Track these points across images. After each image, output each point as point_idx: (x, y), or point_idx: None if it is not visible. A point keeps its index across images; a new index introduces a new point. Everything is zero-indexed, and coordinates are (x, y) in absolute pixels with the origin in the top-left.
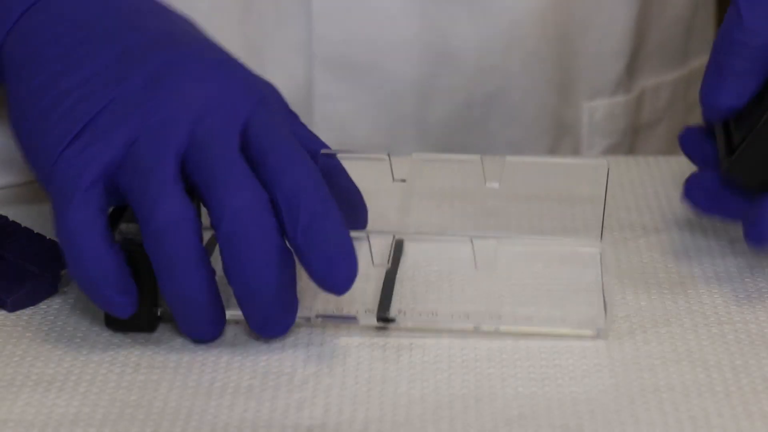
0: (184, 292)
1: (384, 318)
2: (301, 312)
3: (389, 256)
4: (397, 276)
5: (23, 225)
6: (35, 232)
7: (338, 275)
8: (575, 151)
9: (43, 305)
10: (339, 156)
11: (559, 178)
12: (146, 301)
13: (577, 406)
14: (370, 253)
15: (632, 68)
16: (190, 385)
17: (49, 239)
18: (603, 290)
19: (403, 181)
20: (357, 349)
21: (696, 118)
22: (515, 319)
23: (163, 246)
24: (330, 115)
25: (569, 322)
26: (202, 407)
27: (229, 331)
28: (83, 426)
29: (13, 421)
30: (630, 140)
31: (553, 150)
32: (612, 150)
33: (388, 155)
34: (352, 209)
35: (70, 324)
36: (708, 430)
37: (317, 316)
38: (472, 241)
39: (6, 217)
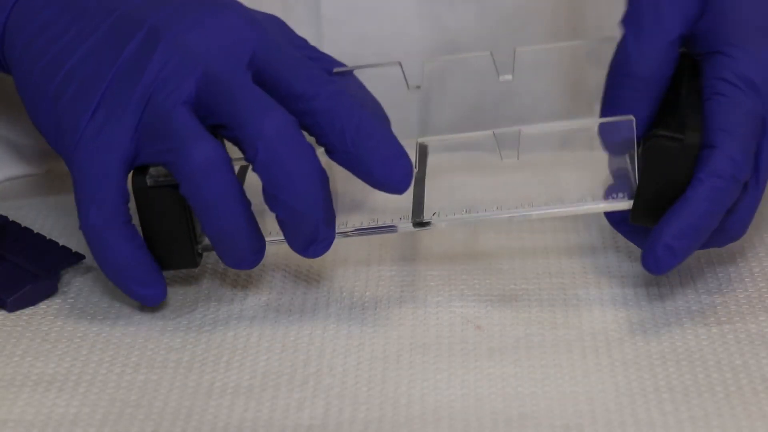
0: (226, 229)
1: (420, 222)
2: (337, 228)
3: (415, 162)
4: (426, 180)
5: (23, 225)
6: (35, 232)
7: (397, 174)
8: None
9: (43, 305)
10: (351, 70)
11: None
12: (185, 239)
13: (577, 406)
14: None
15: None
16: (190, 385)
17: (49, 239)
18: (632, 160)
19: (418, 87)
20: (357, 348)
21: None
22: (546, 202)
23: (201, 189)
24: None
25: (600, 196)
26: (202, 407)
27: (230, 331)
28: (83, 426)
29: (13, 421)
30: None
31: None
32: None
33: (400, 63)
34: None
35: (70, 324)
36: (708, 430)
37: (357, 230)
38: (494, 134)
39: (6, 217)
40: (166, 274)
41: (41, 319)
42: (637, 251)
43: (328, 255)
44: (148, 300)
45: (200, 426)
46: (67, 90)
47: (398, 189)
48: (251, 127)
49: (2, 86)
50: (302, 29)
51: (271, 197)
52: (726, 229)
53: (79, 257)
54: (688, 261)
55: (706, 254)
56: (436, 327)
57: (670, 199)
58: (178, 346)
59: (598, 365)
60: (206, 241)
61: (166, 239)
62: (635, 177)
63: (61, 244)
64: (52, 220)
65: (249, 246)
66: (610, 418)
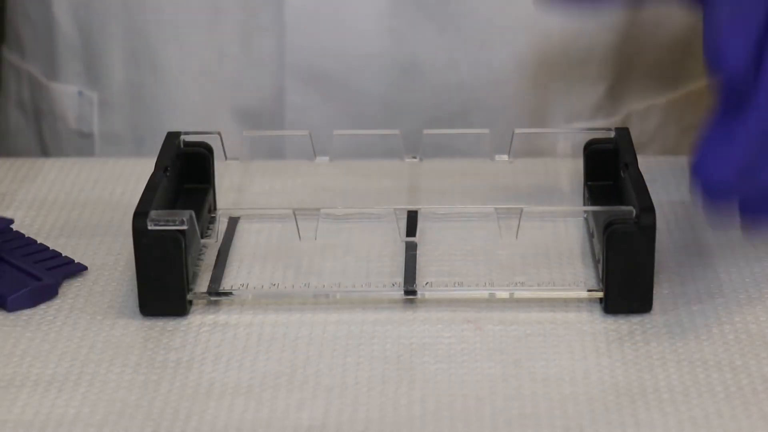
0: None
1: (410, 291)
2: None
3: (404, 229)
4: (417, 251)
5: (27, 235)
6: (38, 242)
7: None
8: None
9: (42, 305)
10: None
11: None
12: (179, 286)
13: (577, 407)
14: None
15: (617, 92)
16: (190, 385)
17: (52, 250)
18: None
19: (414, 158)
20: (357, 349)
21: (690, 141)
22: (536, 284)
23: None
24: (301, 125)
25: (576, 284)
26: (202, 408)
27: (229, 332)
28: (83, 426)
29: (12, 422)
30: None
31: (555, 154)
32: None
33: (400, 132)
34: None
35: (69, 324)
36: (708, 430)
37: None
38: (495, 211)
39: (11, 228)
40: None
41: (41, 320)
42: None
43: (329, 252)
44: None
45: (200, 426)
46: None
47: None
48: None
49: None
50: (264, 36)
51: None
52: None
53: (81, 268)
54: (689, 261)
55: (707, 254)
56: (436, 327)
57: (637, 282)
58: (178, 346)
59: (598, 366)
60: (197, 289)
61: (161, 284)
62: (602, 266)
63: (64, 255)
64: (57, 231)
65: None
66: (610, 419)
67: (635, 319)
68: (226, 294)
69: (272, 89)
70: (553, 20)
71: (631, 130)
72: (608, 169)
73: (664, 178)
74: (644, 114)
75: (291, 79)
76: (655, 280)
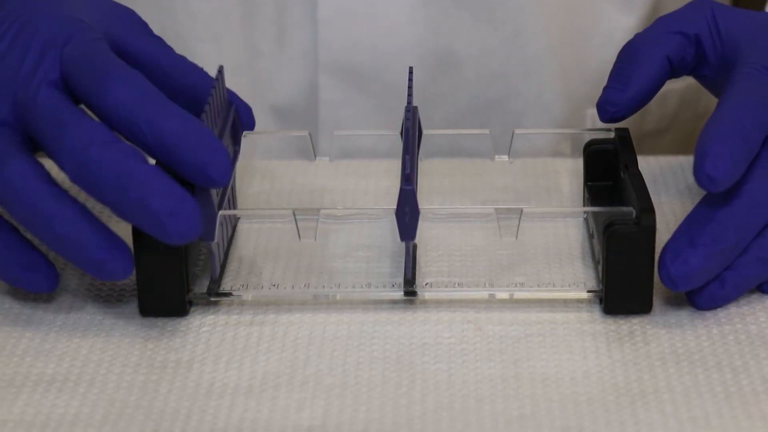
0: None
1: (410, 291)
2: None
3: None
4: (418, 251)
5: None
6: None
7: (218, 164)
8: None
9: (42, 305)
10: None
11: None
12: (178, 286)
13: (577, 407)
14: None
15: None
16: (190, 385)
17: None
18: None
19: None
20: (357, 349)
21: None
22: (518, 285)
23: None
24: (335, 120)
25: (570, 285)
26: (202, 408)
27: (229, 332)
28: (83, 426)
29: (12, 422)
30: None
31: (556, 154)
32: None
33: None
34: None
35: (69, 324)
36: (708, 430)
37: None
38: (495, 211)
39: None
40: None
41: (41, 319)
42: None
43: (329, 252)
44: (113, 269)
45: (200, 426)
46: None
47: (219, 179)
48: (61, 143)
49: None
50: (298, 31)
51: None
52: None
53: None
54: None
55: None
56: (436, 327)
57: (637, 283)
58: (178, 346)
59: (598, 366)
60: (197, 289)
61: (160, 284)
62: (602, 267)
63: None
64: None
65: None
66: (610, 419)
67: (635, 320)
68: (226, 294)
69: (306, 85)
70: (583, 6)
71: (649, 115)
72: (608, 170)
73: (664, 178)
74: (663, 98)
75: (325, 75)
76: (655, 280)
